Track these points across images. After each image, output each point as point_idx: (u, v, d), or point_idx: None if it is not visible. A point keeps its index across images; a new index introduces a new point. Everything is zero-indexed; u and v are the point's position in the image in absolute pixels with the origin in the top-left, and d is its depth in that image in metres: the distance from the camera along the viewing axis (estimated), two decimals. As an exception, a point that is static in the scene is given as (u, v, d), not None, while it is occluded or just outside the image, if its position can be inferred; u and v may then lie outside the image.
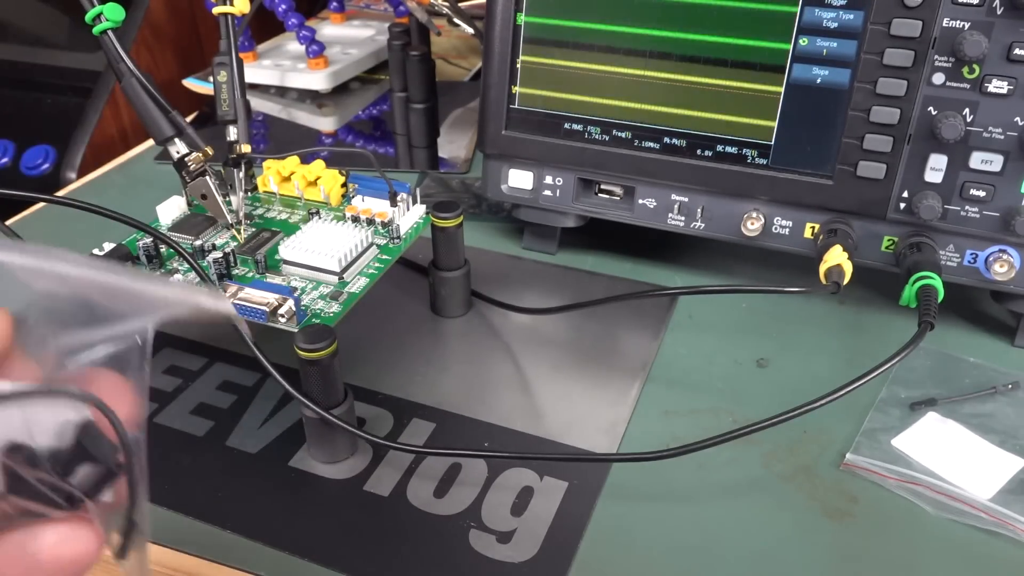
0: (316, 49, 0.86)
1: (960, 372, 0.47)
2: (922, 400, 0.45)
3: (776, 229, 0.51)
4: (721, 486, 0.41)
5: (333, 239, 0.46)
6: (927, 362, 0.48)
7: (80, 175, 0.77)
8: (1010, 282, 0.47)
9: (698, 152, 0.51)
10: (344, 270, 0.45)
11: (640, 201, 0.54)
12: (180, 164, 0.49)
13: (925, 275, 0.44)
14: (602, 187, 0.55)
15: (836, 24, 0.46)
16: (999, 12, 0.42)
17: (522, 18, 0.53)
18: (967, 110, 0.44)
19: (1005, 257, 0.46)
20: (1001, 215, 0.45)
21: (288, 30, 0.87)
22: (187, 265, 0.45)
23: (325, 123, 0.82)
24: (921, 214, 0.46)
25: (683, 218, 0.53)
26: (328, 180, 0.51)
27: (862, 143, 0.47)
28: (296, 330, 0.40)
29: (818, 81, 0.47)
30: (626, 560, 0.38)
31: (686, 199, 0.53)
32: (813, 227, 0.50)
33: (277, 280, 0.45)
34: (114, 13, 0.47)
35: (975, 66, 0.44)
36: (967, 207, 0.46)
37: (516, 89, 0.54)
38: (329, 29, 0.96)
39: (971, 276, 0.48)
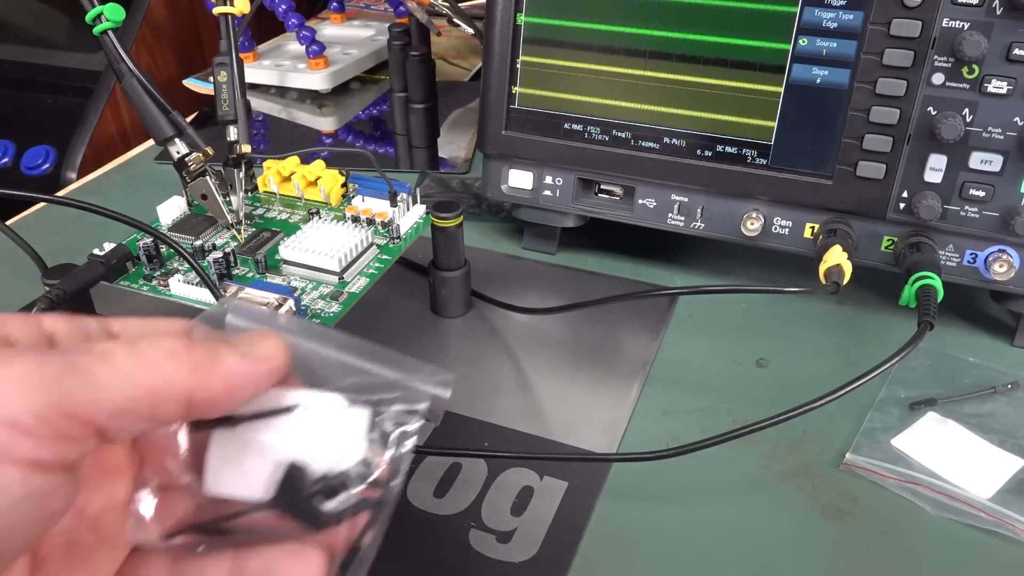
0: (316, 49, 0.86)
1: (960, 372, 0.47)
2: (922, 400, 0.45)
3: (776, 229, 0.51)
4: (721, 486, 0.41)
5: (333, 239, 0.46)
6: (927, 362, 0.48)
7: (80, 175, 0.77)
8: (1010, 282, 0.47)
9: (698, 152, 0.51)
10: (344, 270, 0.45)
11: (640, 201, 0.54)
12: (180, 164, 0.49)
13: (925, 275, 0.44)
14: (602, 187, 0.55)
15: (836, 24, 0.46)
16: (999, 12, 0.42)
17: (522, 18, 0.53)
18: (967, 110, 0.44)
19: (1005, 257, 0.46)
20: (1001, 215, 0.45)
21: (288, 30, 0.87)
22: (187, 265, 0.45)
23: (325, 123, 0.82)
24: (921, 214, 0.46)
25: (683, 218, 0.53)
26: (328, 180, 0.51)
27: (862, 143, 0.47)
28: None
29: (818, 81, 0.47)
30: (626, 560, 0.38)
31: (686, 199, 0.53)
32: (813, 227, 0.50)
33: (277, 280, 0.45)
34: (114, 13, 0.47)
35: (975, 66, 0.44)
36: (967, 207, 0.46)
37: (516, 89, 0.54)
38: (329, 29, 0.96)
39: (971, 276, 0.48)
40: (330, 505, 0.24)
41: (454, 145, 0.76)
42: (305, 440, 0.24)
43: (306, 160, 0.53)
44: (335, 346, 0.25)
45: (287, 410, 0.24)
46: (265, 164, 0.53)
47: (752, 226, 0.51)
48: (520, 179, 0.56)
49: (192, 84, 0.88)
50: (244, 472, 0.24)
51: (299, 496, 0.24)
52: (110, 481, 0.25)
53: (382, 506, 0.24)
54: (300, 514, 0.24)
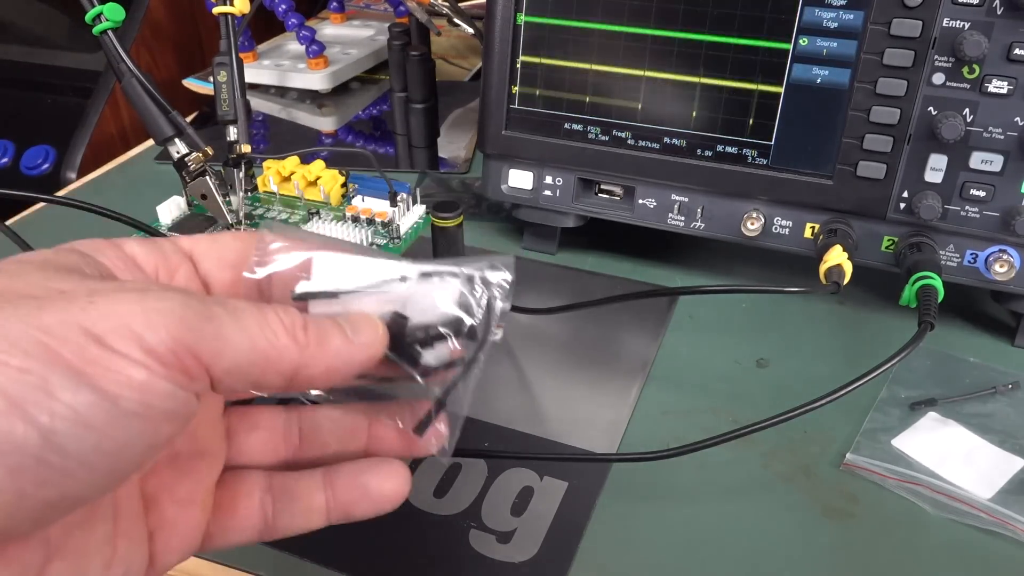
0: (316, 49, 0.86)
1: (960, 372, 0.47)
2: (922, 400, 0.45)
3: (776, 229, 0.51)
4: (721, 486, 0.41)
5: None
6: (927, 362, 0.48)
7: (80, 175, 0.77)
8: (1010, 282, 0.47)
9: (698, 152, 0.51)
10: (344, 270, 0.45)
11: (640, 201, 0.54)
12: (180, 164, 0.49)
13: (925, 275, 0.44)
14: (602, 187, 0.55)
15: (836, 24, 0.46)
16: (999, 12, 0.42)
17: (522, 18, 0.53)
18: (967, 110, 0.44)
19: (1005, 257, 0.46)
20: (1001, 215, 0.45)
21: (288, 30, 0.87)
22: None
23: (325, 123, 0.82)
24: (921, 214, 0.46)
25: (683, 218, 0.53)
26: (328, 180, 0.51)
27: (862, 143, 0.47)
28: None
29: (818, 81, 0.47)
30: (626, 560, 0.38)
31: (686, 199, 0.53)
32: (813, 227, 0.50)
33: (277, 280, 0.45)
34: (114, 13, 0.47)
35: (975, 66, 0.44)
36: (967, 207, 0.46)
37: (516, 89, 0.54)
38: (329, 29, 0.96)
39: (971, 276, 0.48)
40: (428, 356, 0.26)
41: (454, 145, 0.76)
42: (403, 303, 0.26)
43: (306, 160, 0.53)
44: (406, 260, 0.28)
45: (385, 282, 0.27)
46: (265, 164, 0.53)
47: (752, 226, 0.51)
48: (520, 179, 0.56)
49: (192, 84, 0.88)
50: None
51: (401, 341, 0.26)
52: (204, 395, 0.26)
53: (474, 362, 0.27)
54: (403, 358, 0.26)
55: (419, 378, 0.26)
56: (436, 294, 0.27)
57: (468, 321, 0.27)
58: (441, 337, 0.26)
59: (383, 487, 0.28)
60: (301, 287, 0.27)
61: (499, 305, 0.27)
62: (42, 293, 0.21)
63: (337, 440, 0.29)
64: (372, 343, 0.25)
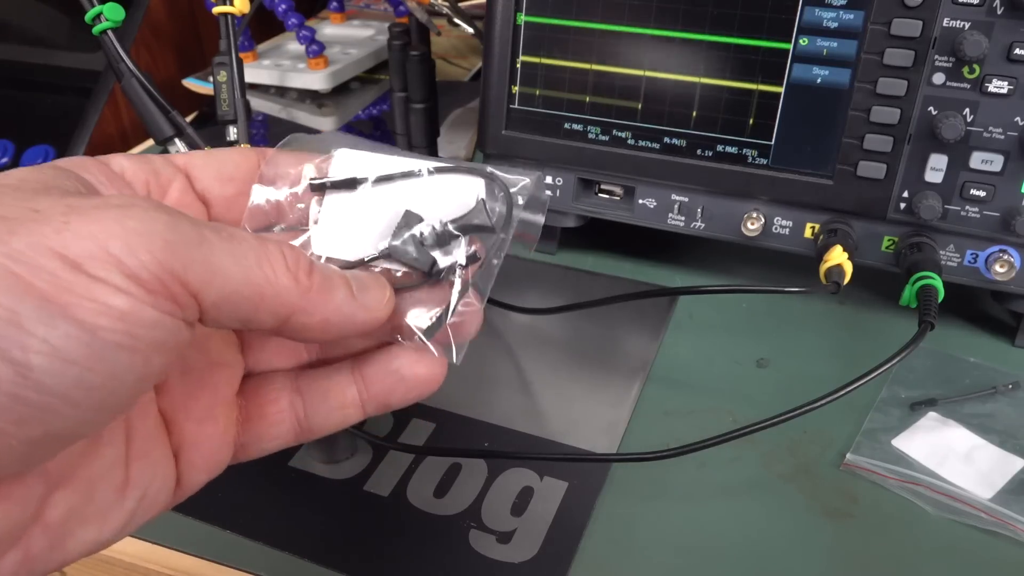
0: (316, 49, 0.86)
1: (960, 372, 0.47)
2: (922, 400, 0.45)
3: (776, 229, 0.51)
4: (721, 486, 0.41)
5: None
6: (927, 362, 0.48)
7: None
8: (1010, 282, 0.47)
9: (698, 152, 0.51)
10: (344, 270, 0.45)
11: (640, 201, 0.54)
12: (180, 164, 0.49)
13: (925, 275, 0.44)
14: (602, 187, 0.55)
15: (836, 24, 0.46)
16: (999, 12, 0.42)
17: (522, 18, 0.53)
18: (967, 110, 0.44)
19: (1005, 257, 0.46)
20: (1001, 215, 0.45)
21: (288, 30, 0.87)
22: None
23: (325, 123, 0.82)
24: (921, 214, 0.46)
25: (683, 218, 0.53)
26: (328, 180, 0.51)
27: (862, 143, 0.47)
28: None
29: (818, 81, 0.47)
30: (626, 560, 0.38)
31: (686, 199, 0.53)
32: (813, 227, 0.50)
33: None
34: (114, 13, 0.47)
35: (975, 66, 0.43)
36: (967, 207, 0.46)
37: (516, 89, 0.54)
38: (329, 29, 0.96)
39: (971, 276, 0.48)
40: (441, 255, 0.26)
41: (454, 145, 0.76)
42: (419, 197, 0.26)
43: (306, 160, 0.53)
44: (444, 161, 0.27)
45: (403, 174, 0.26)
46: (265, 164, 0.52)
47: (752, 226, 0.51)
48: (520, 179, 0.56)
49: (192, 84, 0.87)
50: (360, 228, 0.26)
51: (413, 241, 0.25)
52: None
53: (485, 269, 0.26)
54: (413, 259, 0.25)
55: (431, 279, 0.26)
56: (454, 192, 0.26)
57: (484, 221, 0.26)
58: (455, 236, 0.26)
59: (417, 370, 0.26)
60: (318, 177, 0.26)
61: (519, 210, 0.26)
62: (15, 214, 0.19)
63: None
64: (376, 306, 0.24)
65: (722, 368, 0.49)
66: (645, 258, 0.58)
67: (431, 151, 0.75)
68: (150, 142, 0.73)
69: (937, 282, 0.44)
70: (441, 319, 0.26)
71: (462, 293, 0.26)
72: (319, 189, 0.26)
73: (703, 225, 0.53)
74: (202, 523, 0.39)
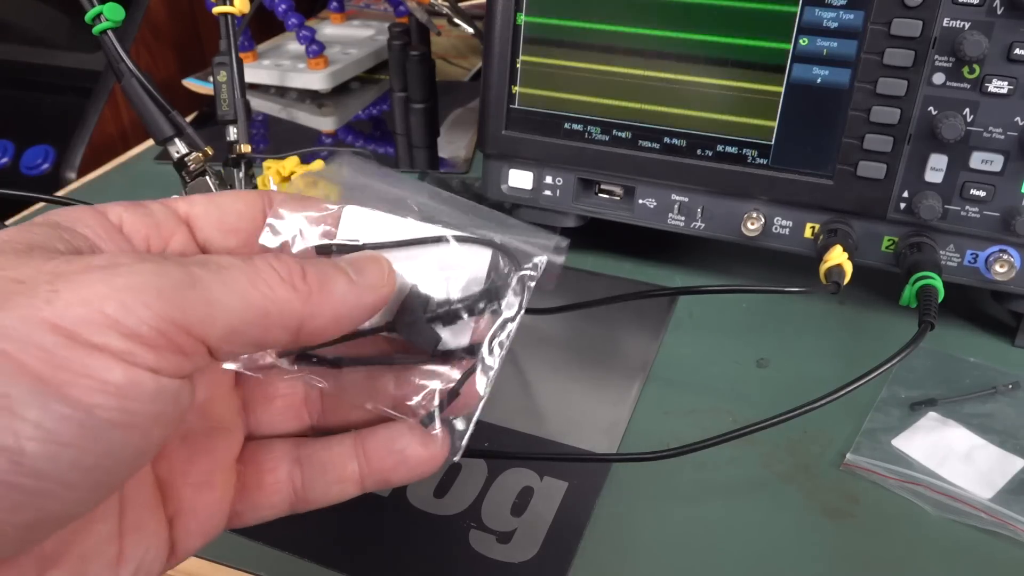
0: (316, 49, 0.86)
1: (960, 372, 0.47)
2: (922, 400, 0.45)
3: (776, 229, 0.51)
4: (721, 486, 0.41)
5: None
6: (927, 362, 0.48)
7: (80, 175, 0.77)
8: (1010, 282, 0.47)
9: (698, 152, 0.51)
10: (344, 270, 0.45)
11: (640, 201, 0.54)
12: (180, 164, 0.49)
13: (925, 275, 0.44)
14: (602, 187, 0.55)
15: (836, 24, 0.46)
16: (999, 12, 0.42)
17: (522, 18, 0.53)
18: (967, 110, 0.44)
19: (1005, 257, 0.46)
20: (1001, 215, 0.45)
21: (288, 30, 0.87)
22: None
23: (325, 123, 0.82)
24: (921, 214, 0.46)
25: (683, 218, 0.53)
26: (328, 180, 0.51)
27: (862, 143, 0.47)
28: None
29: (818, 81, 0.47)
30: (626, 560, 0.38)
31: (686, 199, 0.53)
32: (813, 227, 0.50)
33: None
34: (114, 13, 0.47)
35: (975, 66, 0.43)
36: (967, 207, 0.46)
37: (516, 89, 0.54)
38: (329, 29, 0.96)
39: (971, 276, 0.48)
40: (447, 334, 0.25)
41: (454, 145, 0.76)
42: (427, 269, 0.25)
43: (306, 160, 0.53)
44: (457, 207, 0.26)
45: (411, 242, 0.25)
46: (265, 164, 0.52)
47: (752, 226, 0.51)
48: (520, 179, 0.56)
49: (192, 84, 0.87)
50: None
51: (418, 319, 0.24)
52: (213, 368, 0.24)
53: (491, 355, 0.25)
54: (418, 337, 0.25)
55: (436, 361, 0.25)
56: (465, 264, 0.25)
57: (495, 299, 0.25)
58: (463, 315, 0.25)
59: (420, 452, 0.26)
60: (324, 239, 0.25)
61: (530, 286, 0.25)
62: None
63: (361, 403, 0.26)
64: (378, 284, 0.24)
65: (722, 368, 0.49)
66: (645, 258, 0.58)
67: (431, 151, 0.75)
68: (150, 142, 0.73)
69: (937, 282, 0.44)
70: (444, 404, 0.25)
71: (466, 377, 0.25)
72: (325, 252, 0.25)
73: (703, 225, 0.53)
74: (202, 523, 0.39)
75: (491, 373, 0.25)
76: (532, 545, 0.38)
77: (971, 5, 0.43)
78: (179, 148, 0.49)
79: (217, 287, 0.20)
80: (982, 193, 0.45)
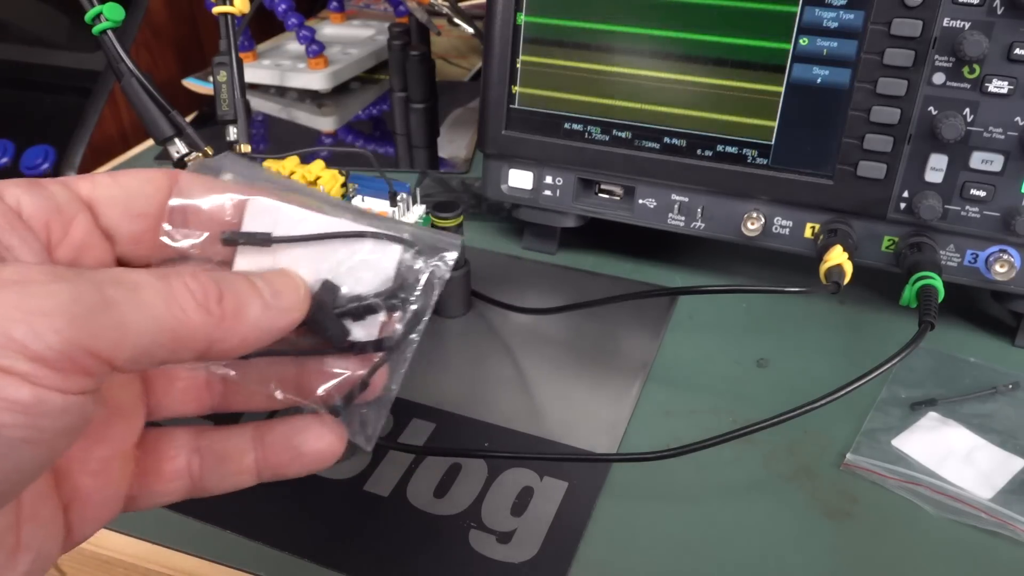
0: (316, 49, 0.86)
1: (960, 372, 0.47)
2: (922, 400, 0.45)
3: (776, 229, 0.51)
4: (721, 486, 0.41)
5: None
6: (927, 362, 0.48)
7: (80, 175, 0.77)
8: (1010, 282, 0.47)
9: (698, 152, 0.51)
10: (344, 270, 0.45)
11: (640, 201, 0.54)
12: (180, 164, 0.49)
13: (925, 275, 0.44)
14: (602, 187, 0.55)
15: (836, 24, 0.46)
16: (999, 12, 0.42)
17: (522, 18, 0.53)
18: (967, 110, 0.44)
19: (1005, 257, 0.46)
20: (1001, 215, 0.45)
21: (288, 30, 0.87)
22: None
23: (325, 123, 0.82)
24: (921, 214, 0.46)
25: (683, 218, 0.53)
26: (328, 180, 0.51)
27: (862, 143, 0.47)
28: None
29: (818, 81, 0.47)
30: (626, 560, 0.38)
31: (686, 199, 0.53)
32: (813, 227, 0.50)
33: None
34: (114, 13, 0.47)
35: (975, 66, 0.43)
36: (967, 207, 0.46)
37: (516, 89, 0.54)
38: (329, 29, 0.96)
39: (971, 276, 0.48)
40: (357, 328, 0.25)
41: (454, 145, 0.76)
42: (337, 264, 0.25)
43: (306, 160, 0.53)
44: (351, 211, 0.26)
45: (322, 236, 0.25)
46: (265, 164, 0.52)
47: (752, 226, 0.51)
48: (520, 179, 0.56)
49: (192, 84, 0.87)
50: None
51: (329, 312, 0.24)
52: None
53: (400, 349, 0.25)
54: (328, 331, 0.24)
55: (345, 354, 0.25)
56: (374, 259, 0.25)
57: (405, 294, 0.25)
58: (373, 309, 0.25)
59: (317, 446, 0.26)
60: (230, 230, 0.25)
61: (439, 282, 0.25)
62: None
63: (262, 388, 0.26)
64: (292, 308, 0.23)
65: (722, 368, 0.49)
66: (645, 258, 0.58)
67: (431, 151, 0.75)
68: (150, 142, 0.73)
69: (937, 282, 0.44)
70: (352, 396, 0.25)
71: (374, 370, 0.25)
72: (231, 243, 0.25)
73: (703, 225, 0.53)
74: (202, 523, 0.39)
75: (400, 368, 0.25)
76: (532, 545, 0.38)
77: (971, 5, 0.43)
78: (179, 148, 0.49)
79: (131, 310, 0.20)
80: (982, 193, 0.45)
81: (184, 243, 0.25)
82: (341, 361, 0.25)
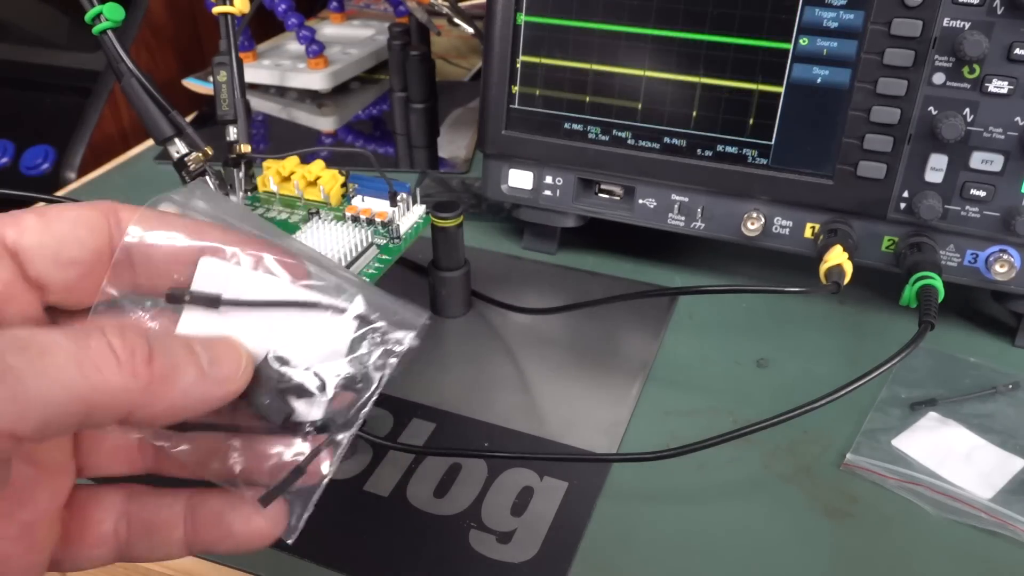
0: (316, 49, 0.86)
1: (960, 372, 0.47)
2: (922, 400, 0.45)
3: (776, 229, 0.51)
4: (721, 486, 0.41)
5: (333, 239, 0.45)
6: (927, 362, 0.48)
7: (80, 175, 0.77)
8: (1010, 282, 0.47)
9: (698, 152, 0.51)
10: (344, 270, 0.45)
11: (640, 201, 0.54)
12: (180, 164, 0.49)
13: (925, 275, 0.44)
14: (602, 187, 0.55)
15: (836, 24, 0.46)
16: (999, 12, 0.42)
17: (522, 18, 0.53)
18: (967, 110, 0.44)
19: (1005, 257, 0.46)
20: (1001, 215, 0.45)
21: (288, 30, 0.87)
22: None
23: (325, 123, 0.82)
24: (921, 214, 0.46)
25: (683, 218, 0.53)
26: (328, 180, 0.51)
27: (862, 143, 0.47)
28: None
29: (818, 81, 0.47)
30: (626, 560, 0.38)
31: (686, 199, 0.53)
32: (813, 227, 0.50)
33: (277, 280, 0.45)
34: (114, 13, 0.47)
35: (975, 66, 0.43)
36: (967, 207, 0.46)
37: (516, 89, 0.54)
38: (329, 29, 0.96)
39: (971, 276, 0.48)
40: (300, 406, 0.23)
41: (454, 145, 0.76)
42: (286, 335, 0.23)
43: (306, 160, 0.53)
44: (323, 264, 0.24)
45: (273, 303, 0.23)
46: (265, 164, 0.52)
47: (752, 226, 0.51)
48: (520, 179, 0.56)
49: (192, 84, 0.87)
50: None
51: (271, 387, 0.23)
52: None
53: (344, 432, 0.23)
54: (269, 407, 0.23)
55: (284, 434, 0.23)
56: (327, 333, 0.23)
57: (355, 372, 0.23)
58: (322, 387, 0.23)
59: (249, 527, 0.24)
60: (178, 287, 0.23)
61: (392, 363, 0.23)
62: None
63: (196, 459, 0.24)
64: (231, 378, 0.22)
65: (722, 368, 0.49)
66: (645, 258, 0.58)
67: (431, 151, 0.75)
68: (150, 142, 0.73)
69: (937, 282, 0.44)
70: (286, 482, 0.23)
71: (314, 454, 0.23)
72: (176, 300, 0.23)
73: (703, 225, 0.53)
74: (202, 523, 0.39)
75: (339, 451, 0.23)
76: (532, 545, 0.38)
77: (971, 5, 0.43)
78: (179, 148, 0.49)
79: (32, 379, 0.18)
80: (982, 193, 0.45)
81: (125, 296, 0.23)
82: (279, 441, 0.24)
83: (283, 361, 0.23)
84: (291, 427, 0.23)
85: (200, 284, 0.23)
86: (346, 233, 0.46)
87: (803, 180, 0.49)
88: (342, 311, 0.23)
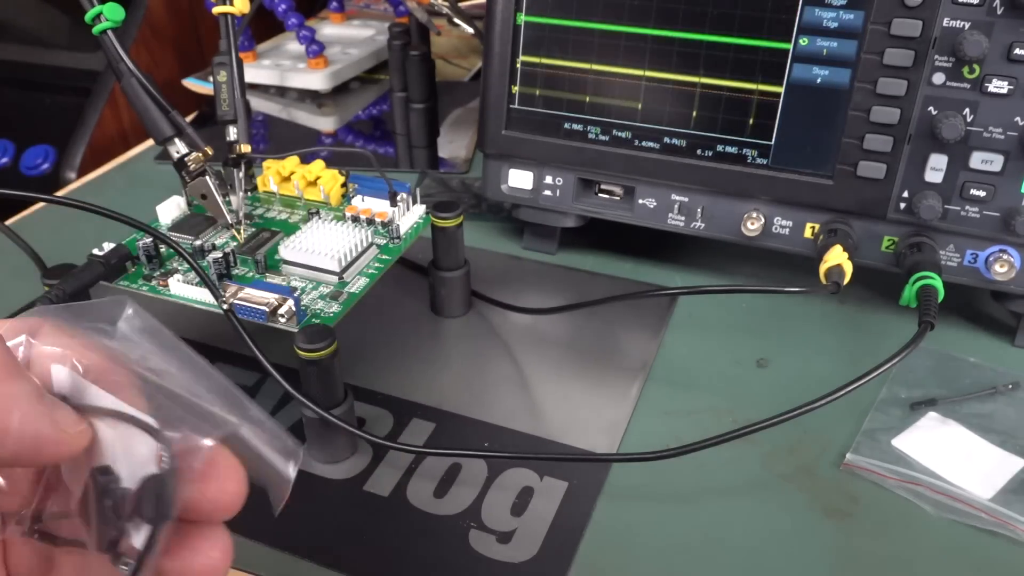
0: (316, 49, 0.86)
1: (960, 372, 0.47)
2: (922, 400, 0.45)
3: (776, 229, 0.51)
4: (721, 486, 0.41)
5: (333, 239, 0.46)
6: (927, 362, 0.48)
7: (80, 175, 0.77)
8: (1010, 282, 0.47)
9: (698, 152, 0.51)
10: (344, 270, 0.45)
11: (640, 201, 0.54)
12: (180, 164, 0.49)
13: (925, 275, 0.44)
14: (602, 187, 0.55)
15: (836, 24, 0.46)
16: (999, 12, 0.42)
17: (522, 18, 0.53)
18: (967, 110, 0.44)
19: (1005, 257, 0.46)
20: (1001, 215, 0.45)
21: (288, 30, 0.87)
22: (187, 265, 0.45)
23: (325, 123, 0.82)
24: (921, 214, 0.46)
25: (683, 218, 0.53)
26: (328, 180, 0.51)
27: (862, 143, 0.47)
28: (296, 330, 0.40)
29: (818, 81, 0.47)
30: (626, 560, 0.38)
31: (686, 199, 0.53)
32: (813, 227, 0.50)
33: (277, 280, 0.45)
34: (114, 13, 0.47)
35: (975, 66, 0.43)
36: (967, 207, 0.46)
37: (516, 89, 0.54)
38: (329, 29, 0.96)
39: (971, 276, 0.48)
40: (130, 528, 0.22)
41: (454, 145, 0.76)
42: (111, 450, 0.22)
43: (306, 160, 0.53)
44: (206, 384, 0.23)
45: (103, 413, 0.22)
46: (265, 164, 0.52)
47: (752, 226, 0.51)
48: (520, 179, 0.56)
49: (192, 84, 0.88)
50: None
51: (99, 503, 0.22)
52: None
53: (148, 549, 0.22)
54: (98, 519, 0.22)
55: (108, 553, 0.22)
56: (137, 448, 0.22)
57: (163, 494, 0.22)
58: (135, 510, 0.22)
59: None
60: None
61: (176, 489, 0.22)
62: None
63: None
64: (69, 427, 0.21)
65: (722, 368, 0.49)
66: (645, 258, 0.58)
67: (431, 151, 0.75)
68: (150, 142, 0.73)
69: (937, 282, 0.44)
70: None
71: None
72: None
73: (703, 225, 0.53)
74: (202, 523, 0.39)
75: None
76: (532, 545, 0.38)
77: (971, 5, 0.43)
78: (179, 148, 0.49)
79: None
80: (982, 193, 0.45)
81: None
82: (99, 564, 0.22)
83: (116, 476, 0.22)
84: (114, 552, 0.22)
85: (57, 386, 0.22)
86: (346, 233, 0.46)
87: (803, 180, 0.49)
88: (147, 427, 0.22)
